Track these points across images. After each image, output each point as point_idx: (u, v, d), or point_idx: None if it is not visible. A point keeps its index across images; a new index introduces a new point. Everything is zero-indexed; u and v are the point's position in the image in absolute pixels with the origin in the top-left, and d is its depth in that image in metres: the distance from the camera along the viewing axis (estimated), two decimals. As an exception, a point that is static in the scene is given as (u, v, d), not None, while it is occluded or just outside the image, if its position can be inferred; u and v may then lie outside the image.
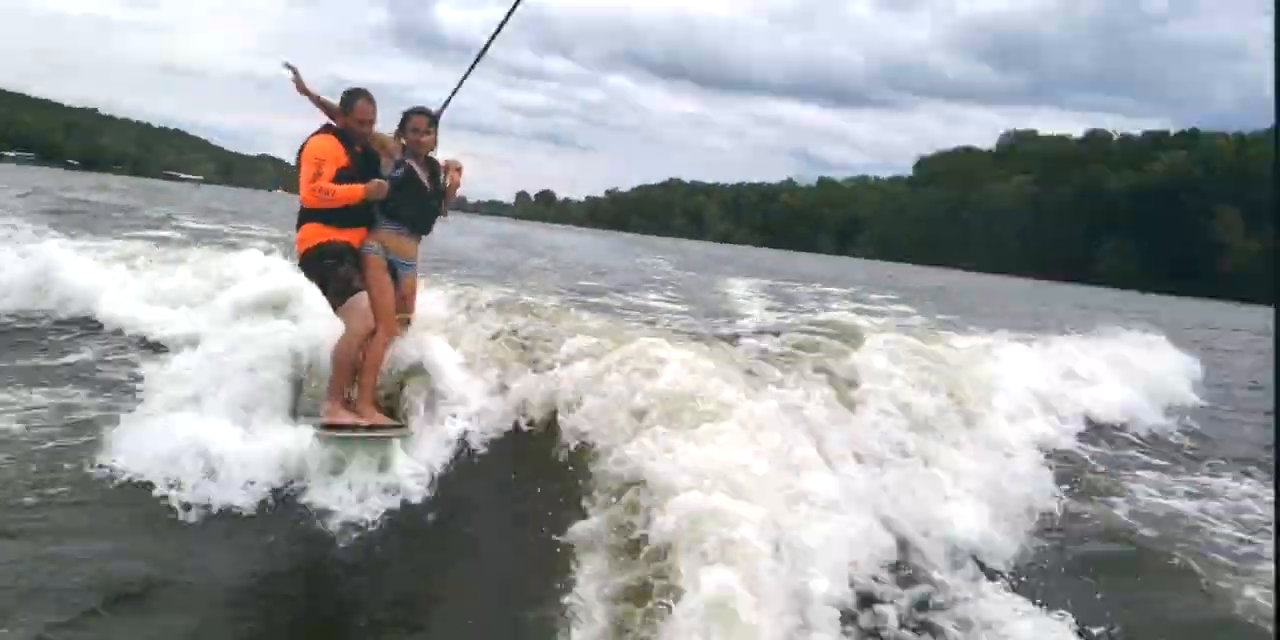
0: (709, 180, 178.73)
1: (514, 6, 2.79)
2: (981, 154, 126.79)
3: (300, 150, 5.04)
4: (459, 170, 5.41)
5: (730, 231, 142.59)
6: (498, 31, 3.81)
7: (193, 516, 4.57)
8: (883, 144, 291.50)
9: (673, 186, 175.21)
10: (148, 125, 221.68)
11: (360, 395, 5.01)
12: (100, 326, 8.74)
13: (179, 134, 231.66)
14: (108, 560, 4.08)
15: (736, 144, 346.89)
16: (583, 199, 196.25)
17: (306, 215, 5.02)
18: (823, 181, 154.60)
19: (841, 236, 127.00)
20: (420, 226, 5.34)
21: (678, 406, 4.54)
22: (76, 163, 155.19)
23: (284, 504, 4.71)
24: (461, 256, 20.72)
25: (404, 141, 5.23)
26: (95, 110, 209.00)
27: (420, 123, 5.22)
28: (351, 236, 5.05)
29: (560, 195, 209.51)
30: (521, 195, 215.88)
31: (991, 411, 6.66)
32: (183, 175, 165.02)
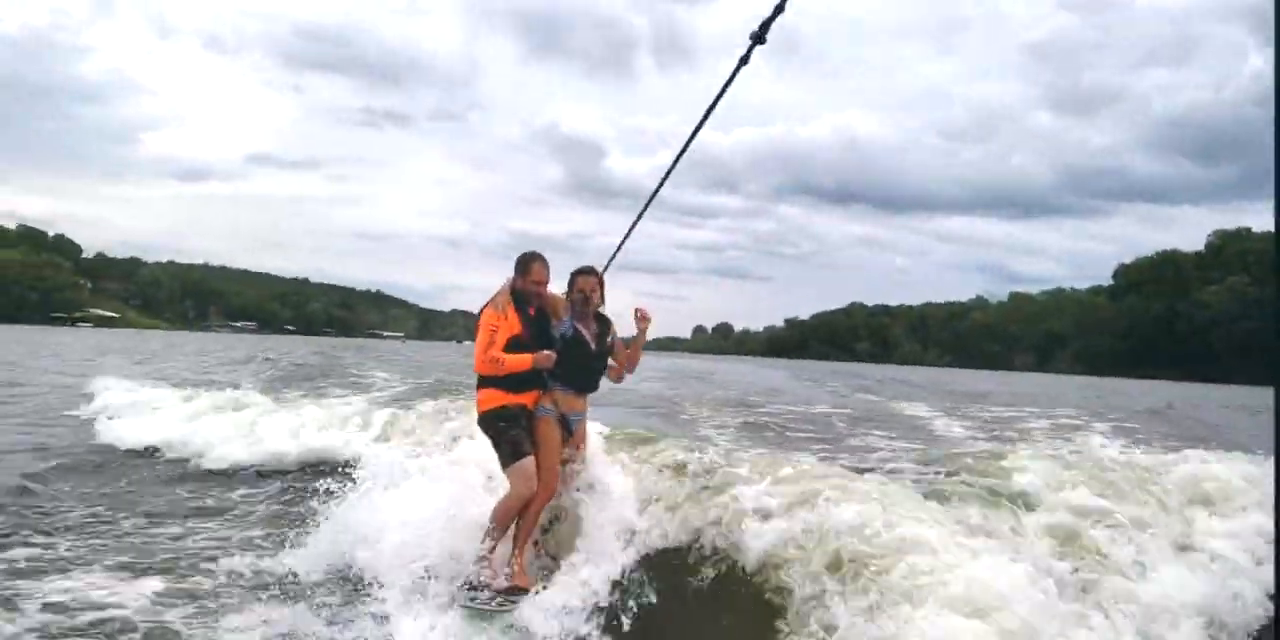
0: (892, 302, 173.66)
1: (675, 161, 3.05)
2: (1187, 257, 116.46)
3: (479, 315, 5.29)
4: (646, 320, 5.47)
5: (918, 353, 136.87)
6: (660, 186, 4.08)
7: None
8: (1077, 253, 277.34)
9: (854, 311, 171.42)
10: (351, 289, 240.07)
11: (516, 553, 5.19)
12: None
13: (379, 295, 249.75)
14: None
15: (918, 263, 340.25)
16: (760, 329, 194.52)
17: (484, 381, 5.26)
18: (1015, 296, 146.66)
19: (1040, 352, 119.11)
20: (586, 386, 5.50)
21: (891, 563, 4.00)
22: (292, 328, 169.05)
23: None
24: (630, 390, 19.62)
25: (571, 301, 5.36)
26: (307, 279, 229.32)
27: (585, 284, 5.36)
28: (526, 399, 5.29)
29: (738, 326, 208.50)
30: (698, 329, 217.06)
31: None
32: (385, 333, 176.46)
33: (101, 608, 5.27)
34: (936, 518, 4.54)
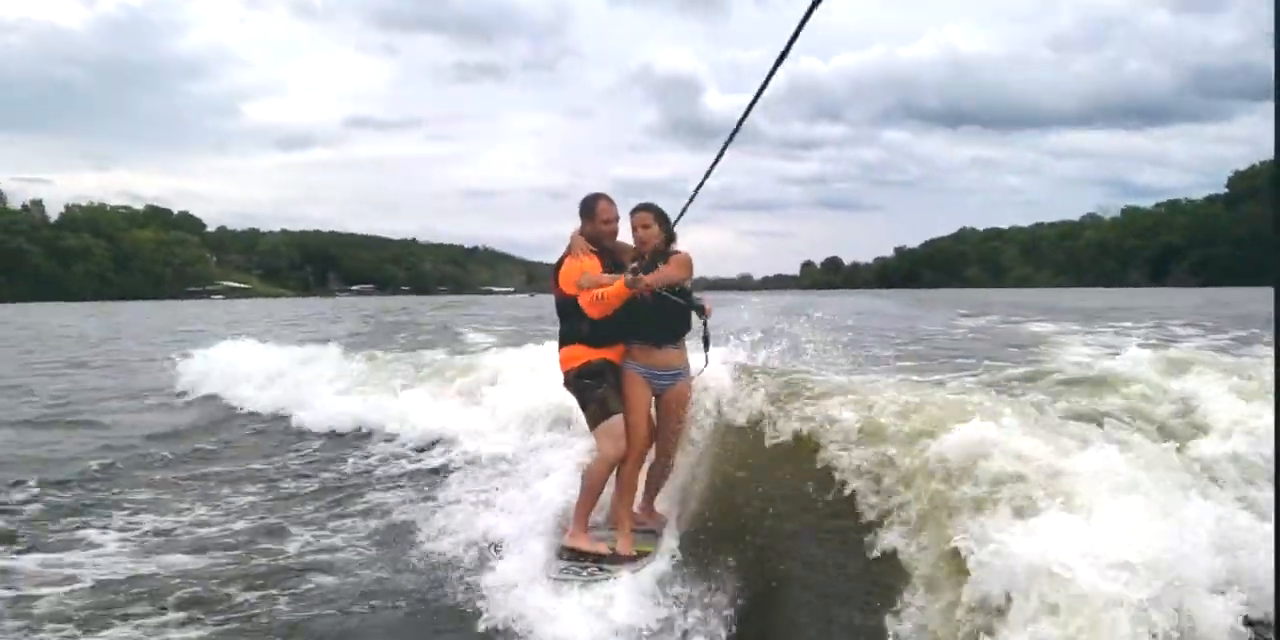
0: (1004, 225, 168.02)
1: (762, 87, 2.42)
2: None
3: (556, 274, 5.07)
4: (680, 265, 4.92)
5: (1029, 275, 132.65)
6: (746, 114, 3.09)
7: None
8: (1205, 160, 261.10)
9: (964, 236, 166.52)
10: (460, 246, 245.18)
11: (619, 521, 5.01)
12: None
13: (487, 251, 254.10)
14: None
15: (1032, 183, 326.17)
16: (871, 261, 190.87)
17: (569, 336, 5.06)
18: (1128, 211, 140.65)
19: (1155, 266, 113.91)
20: (658, 337, 5.02)
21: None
22: (408, 288, 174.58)
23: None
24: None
25: (637, 240, 5.04)
26: (415, 239, 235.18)
27: (641, 219, 4.98)
28: (610, 354, 5.03)
29: (847, 260, 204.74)
30: (807, 265, 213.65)
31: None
32: (495, 288, 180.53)
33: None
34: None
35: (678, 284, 4.89)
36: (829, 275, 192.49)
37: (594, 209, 5.10)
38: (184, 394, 14.30)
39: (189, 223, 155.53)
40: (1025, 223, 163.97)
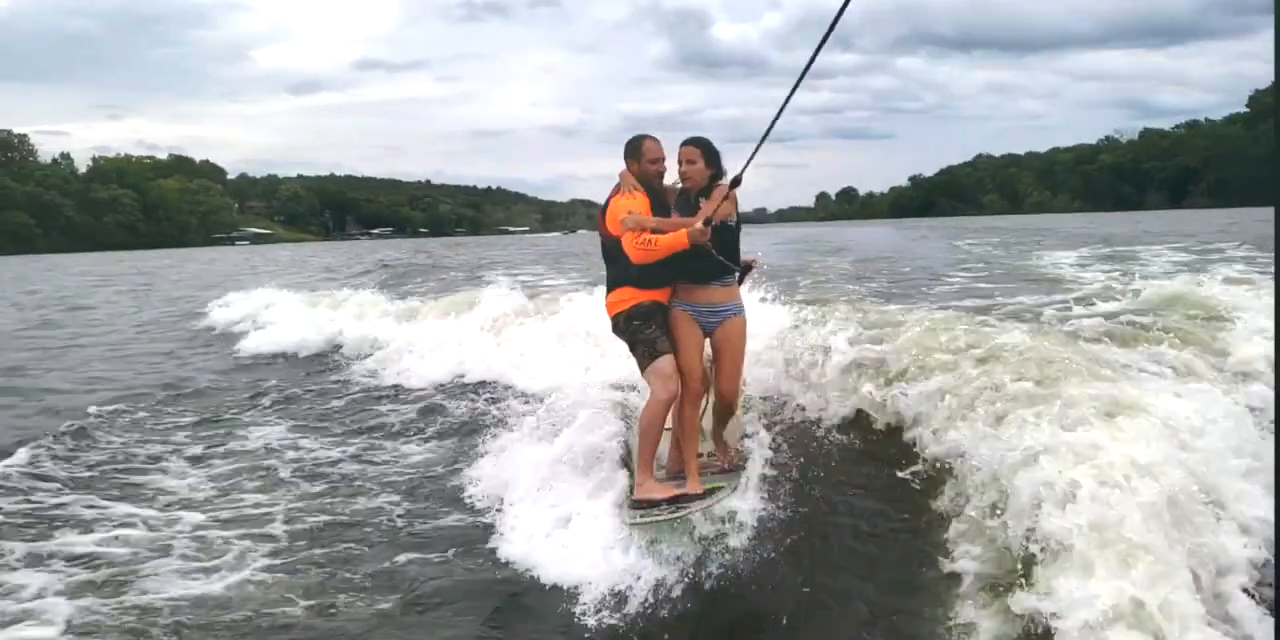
0: (1020, 151, 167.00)
1: (833, 23, 2.56)
2: None
3: (604, 213, 4.92)
4: (720, 197, 4.64)
5: (1047, 201, 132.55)
6: (816, 52, 3.17)
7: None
8: (1224, 79, 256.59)
9: (980, 163, 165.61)
10: (473, 187, 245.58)
11: (686, 463, 4.91)
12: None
13: (500, 191, 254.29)
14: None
15: (1051, 106, 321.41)
16: (886, 190, 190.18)
17: (618, 279, 4.93)
18: (1146, 133, 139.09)
19: (1173, 189, 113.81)
20: (701, 275, 4.84)
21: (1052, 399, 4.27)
22: (426, 230, 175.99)
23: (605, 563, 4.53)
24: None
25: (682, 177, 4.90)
26: (429, 181, 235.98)
27: (687, 154, 4.81)
28: (658, 295, 4.91)
29: (862, 190, 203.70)
30: (821, 196, 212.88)
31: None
32: (511, 228, 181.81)
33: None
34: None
35: (729, 219, 4.75)
36: (844, 206, 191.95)
37: (640, 148, 4.93)
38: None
39: (211, 171, 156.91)
40: (1042, 148, 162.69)
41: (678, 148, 4.87)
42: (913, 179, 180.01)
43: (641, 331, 4.85)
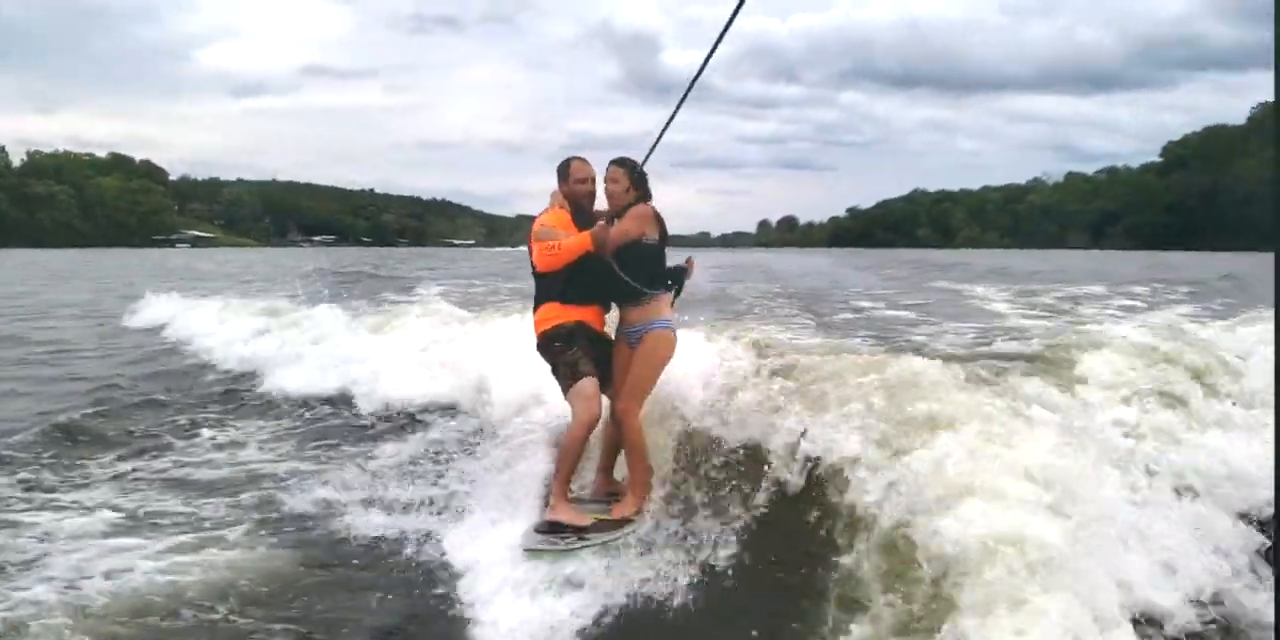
0: (955, 187, 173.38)
1: (716, 43, 2.71)
2: (1233, 130, 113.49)
3: (529, 235, 4.88)
4: (635, 218, 4.71)
5: (977, 236, 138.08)
6: (700, 71, 3.35)
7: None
8: (1152, 127, 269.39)
9: (916, 198, 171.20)
10: (418, 199, 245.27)
11: (631, 485, 4.79)
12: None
13: (446, 204, 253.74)
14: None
15: (985, 146, 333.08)
16: (825, 220, 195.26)
17: (543, 294, 4.87)
18: (1070, 177, 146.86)
19: (1093, 231, 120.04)
20: (621, 296, 4.83)
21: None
22: (369, 239, 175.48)
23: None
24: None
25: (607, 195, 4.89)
26: (373, 190, 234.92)
27: (611, 173, 4.82)
28: (585, 315, 4.85)
29: (803, 219, 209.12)
30: (763, 223, 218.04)
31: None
32: (455, 241, 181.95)
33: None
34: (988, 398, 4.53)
35: (638, 238, 4.69)
36: (784, 234, 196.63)
37: (568, 169, 4.94)
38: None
39: (152, 171, 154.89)
40: (975, 186, 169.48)
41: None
42: (850, 210, 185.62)
43: (563, 353, 4.76)
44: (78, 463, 7.05)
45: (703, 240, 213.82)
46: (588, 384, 4.68)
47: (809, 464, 4.48)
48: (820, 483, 4.38)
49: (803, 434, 4.57)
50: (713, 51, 2.91)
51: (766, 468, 4.63)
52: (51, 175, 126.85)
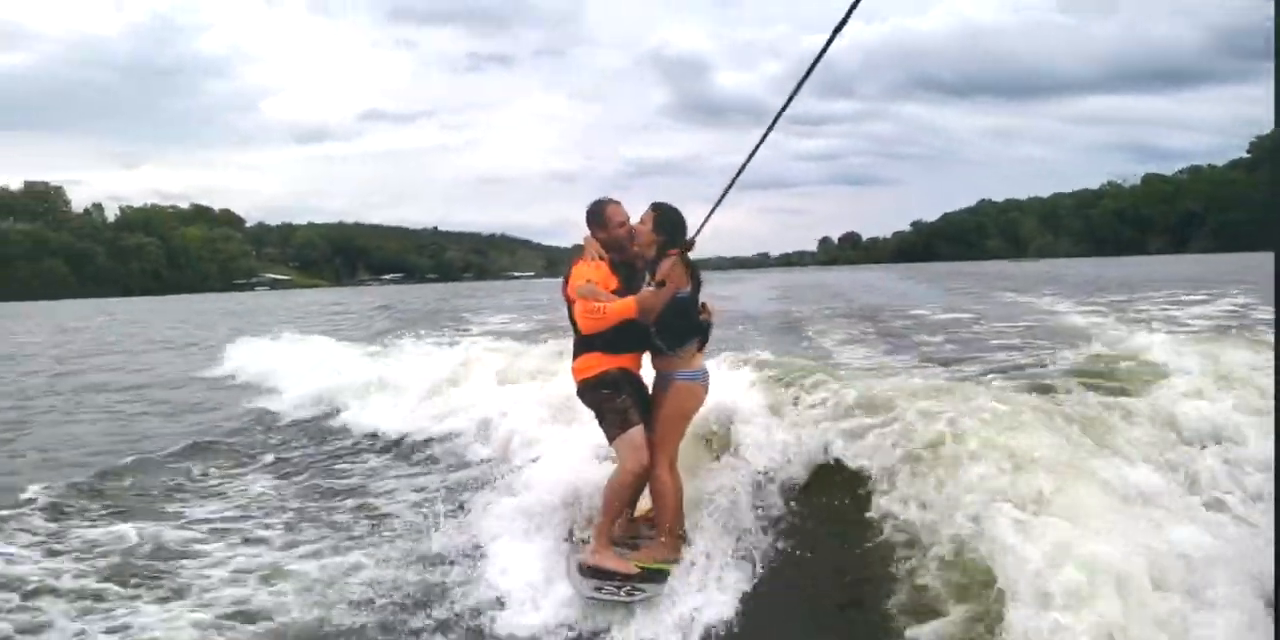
0: (1023, 196, 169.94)
1: (798, 86, 2.66)
2: None
3: (566, 280, 4.84)
4: (668, 272, 4.62)
5: (1049, 245, 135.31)
6: (791, 96, 3.33)
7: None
8: (1228, 122, 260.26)
9: (983, 208, 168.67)
10: (478, 234, 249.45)
11: (660, 531, 4.77)
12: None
13: (505, 238, 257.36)
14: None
15: (1053, 152, 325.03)
16: (889, 235, 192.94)
17: (581, 345, 4.83)
18: (1148, 178, 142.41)
19: (1175, 234, 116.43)
20: (643, 346, 4.80)
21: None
22: (434, 276, 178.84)
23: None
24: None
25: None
26: (435, 228, 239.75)
27: (643, 216, 4.85)
28: (625, 361, 4.82)
29: (866, 234, 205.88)
30: (824, 241, 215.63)
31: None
32: (516, 274, 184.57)
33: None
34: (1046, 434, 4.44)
35: (680, 291, 4.68)
36: (846, 251, 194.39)
37: (602, 215, 4.88)
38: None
39: (230, 219, 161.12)
40: (1045, 193, 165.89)
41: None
42: (915, 224, 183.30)
43: (611, 400, 4.73)
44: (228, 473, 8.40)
45: (762, 261, 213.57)
46: (637, 433, 4.69)
47: (863, 484, 4.58)
48: (876, 504, 4.40)
49: (853, 455, 4.71)
50: (806, 76, 2.83)
51: (823, 498, 4.81)
52: (141, 228, 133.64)
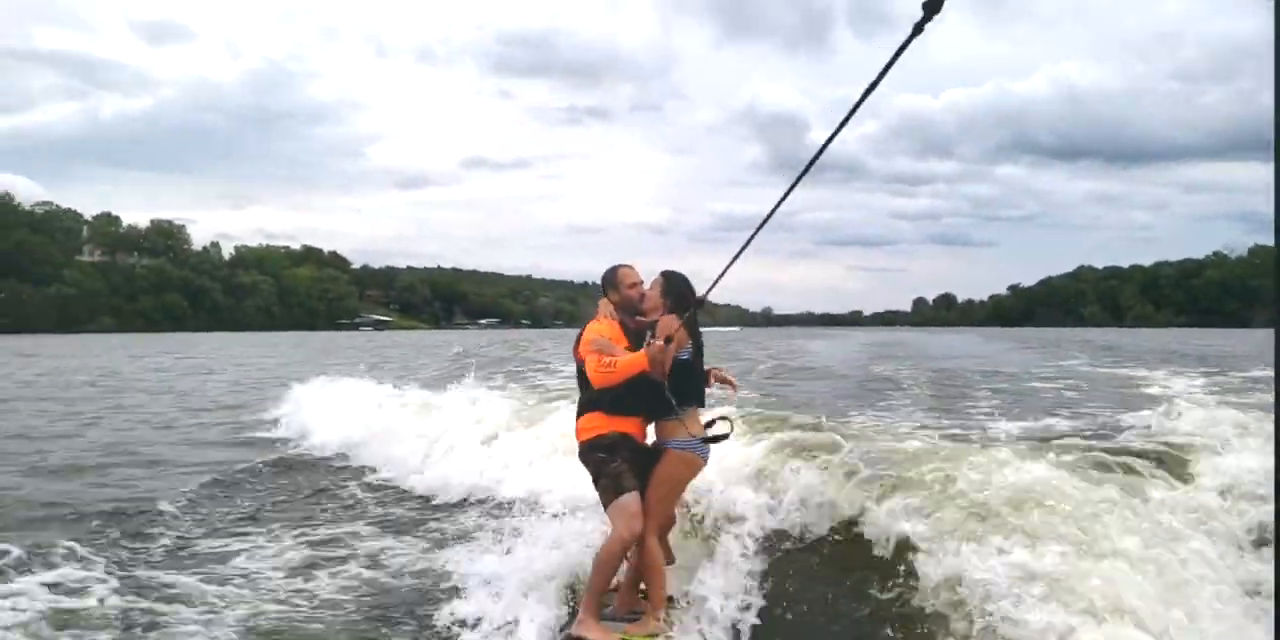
0: (1124, 263, 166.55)
1: (844, 120, 2.49)
2: None
3: (578, 339, 4.89)
4: (665, 329, 4.62)
5: (1149, 315, 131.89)
6: (824, 146, 2.81)
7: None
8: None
9: (1082, 274, 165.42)
10: (570, 282, 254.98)
11: (650, 603, 4.76)
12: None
13: (595, 286, 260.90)
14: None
15: (1157, 219, 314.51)
16: (985, 298, 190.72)
17: (588, 404, 4.86)
18: (1256, 249, 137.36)
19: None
20: (656, 411, 4.79)
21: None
22: (527, 322, 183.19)
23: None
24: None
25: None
26: (529, 275, 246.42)
27: (653, 282, 4.94)
28: (626, 426, 4.79)
29: (961, 296, 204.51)
30: (919, 301, 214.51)
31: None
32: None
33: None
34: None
35: (681, 351, 4.73)
36: (941, 312, 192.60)
37: (615, 277, 5.03)
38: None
39: (337, 261, 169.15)
40: (1146, 261, 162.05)
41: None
42: (1012, 288, 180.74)
43: (606, 464, 4.69)
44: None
45: (855, 318, 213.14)
46: (630, 500, 4.61)
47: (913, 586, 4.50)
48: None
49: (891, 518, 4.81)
50: (834, 134, 2.67)
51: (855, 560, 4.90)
52: (255, 266, 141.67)
